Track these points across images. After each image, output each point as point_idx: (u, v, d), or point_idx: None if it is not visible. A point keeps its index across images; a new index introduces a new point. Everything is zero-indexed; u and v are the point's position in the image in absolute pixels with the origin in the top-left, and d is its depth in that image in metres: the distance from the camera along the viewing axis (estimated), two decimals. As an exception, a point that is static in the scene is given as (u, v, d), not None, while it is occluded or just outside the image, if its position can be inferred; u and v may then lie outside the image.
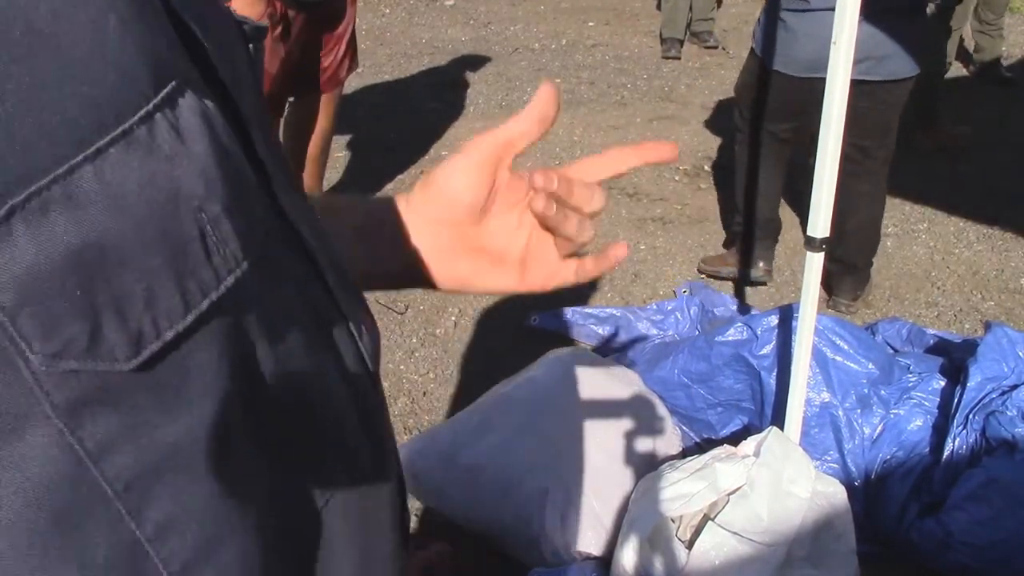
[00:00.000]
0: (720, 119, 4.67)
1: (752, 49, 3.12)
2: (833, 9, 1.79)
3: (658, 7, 6.37)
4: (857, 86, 2.76)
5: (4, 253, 0.30)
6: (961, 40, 5.25)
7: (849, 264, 3.11)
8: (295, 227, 0.44)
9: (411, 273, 0.66)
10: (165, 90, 0.33)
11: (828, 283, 3.12)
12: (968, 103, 4.98)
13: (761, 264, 3.25)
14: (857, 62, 2.75)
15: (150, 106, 0.33)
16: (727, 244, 3.46)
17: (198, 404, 0.36)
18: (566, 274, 0.67)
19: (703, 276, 3.38)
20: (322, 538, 0.46)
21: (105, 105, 0.32)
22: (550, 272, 0.67)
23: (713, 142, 4.55)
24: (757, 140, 3.19)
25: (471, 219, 0.65)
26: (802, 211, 3.81)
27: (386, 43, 6.10)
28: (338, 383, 0.47)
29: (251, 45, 0.47)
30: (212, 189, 0.35)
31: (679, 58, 5.75)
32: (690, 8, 5.82)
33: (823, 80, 2.81)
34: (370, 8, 6.66)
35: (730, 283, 3.35)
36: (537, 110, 0.63)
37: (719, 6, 6.38)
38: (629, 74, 5.57)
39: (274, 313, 0.40)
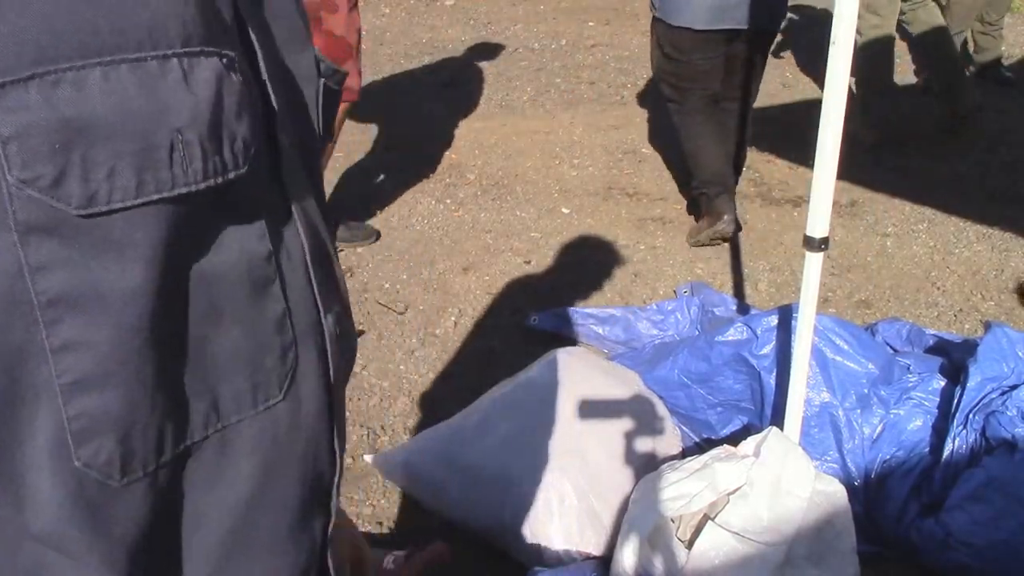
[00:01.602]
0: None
1: (654, 19, 3.45)
2: None
3: (658, 7, 6.35)
4: (743, 34, 3.31)
5: (17, 101, 0.42)
6: (964, 40, 5.25)
7: (731, 185, 3.61)
8: (289, 200, 0.56)
9: None
10: (189, 48, 0.46)
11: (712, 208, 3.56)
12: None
13: (726, 216, 3.48)
14: (743, 14, 3.23)
15: (169, 52, 0.46)
16: (697, 215, 3.69)
17: (127, 268, 0.46)
18: None
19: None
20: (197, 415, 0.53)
21: (130, 36, 0.44)
22: None
23: (713, 142, 4.54)
24: (690, 105, 3.52)
25: None
26: (799, 211, 3.82)
27: (386, 43, 6.10)
28: (268, 332, 0.55)
29: (324, 80, 0.63)
30: (196, 124, 0.47)
31: (679, 58, 5.76)
32: (690, 8, 5.81)
33: (723, 31, 3.31)
34: (370, 8, 6.66)
35: (730, 283, 3.35)
36: None
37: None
38: (629, 74, 5.57)
39: (212, 243, 0.51)
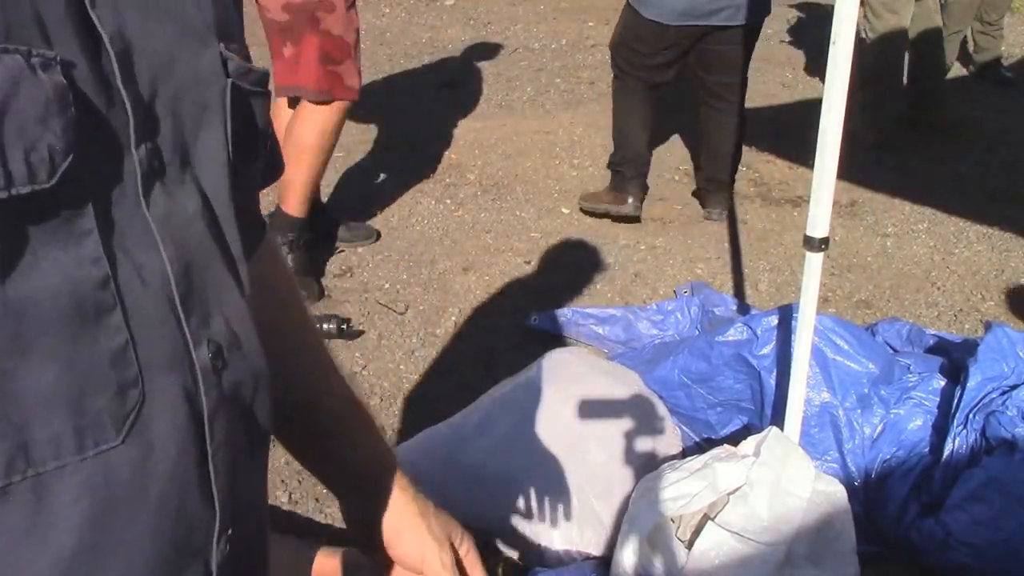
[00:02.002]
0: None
1: (628, 3, 3.53)
2: None
3: (658, 7, 6.36)
4: (722, 31, 3.40)
5: None
6: (965, 40, 5.25)
7: (721, 182, 3.72)
8: (148, 219, 0.50)
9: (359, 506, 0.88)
10: None
11: (701, 200, 3.83)
12: (968, 103, 4.98)
13: (631, 200, 3.61)
14: (721, 10, 3.32)
15: None
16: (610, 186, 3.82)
17: None
18: None
19: (587, 212, 3.40)
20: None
21: None
22: None
23: (713, 142, 4.54)
24: (631, 85, 3.60)
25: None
26: (799, 211, 3.82)
27: (386, 43, 6.10)
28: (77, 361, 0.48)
29: (232, 80, 0.57)
30: None
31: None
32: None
33: (695, 27, 3.38)
34: (370, 8, 6.66)
35: (730, 283, 3.35)
36: None
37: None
38: (629, 74, 5.57)
39: (15, 266, 0.44)
